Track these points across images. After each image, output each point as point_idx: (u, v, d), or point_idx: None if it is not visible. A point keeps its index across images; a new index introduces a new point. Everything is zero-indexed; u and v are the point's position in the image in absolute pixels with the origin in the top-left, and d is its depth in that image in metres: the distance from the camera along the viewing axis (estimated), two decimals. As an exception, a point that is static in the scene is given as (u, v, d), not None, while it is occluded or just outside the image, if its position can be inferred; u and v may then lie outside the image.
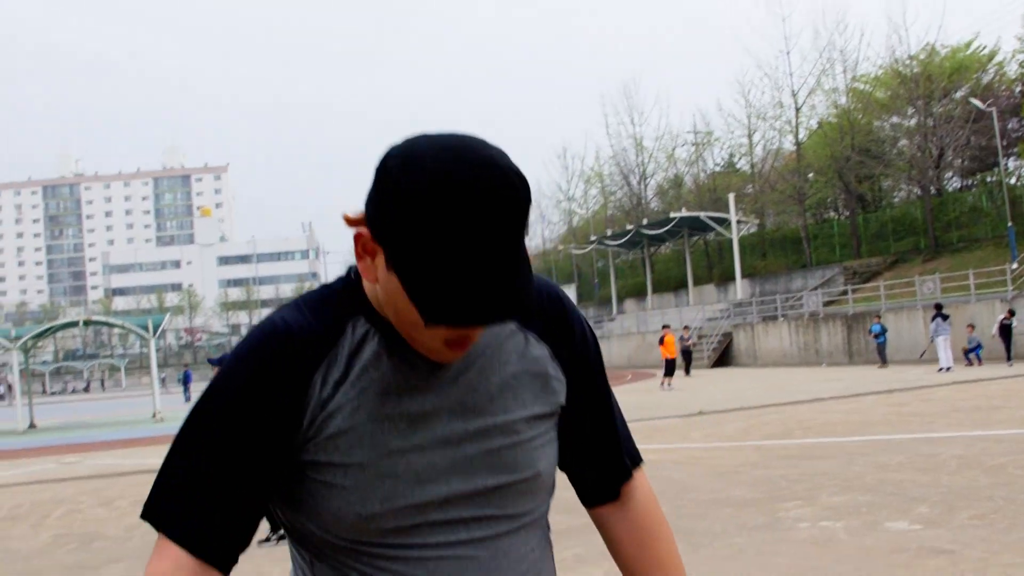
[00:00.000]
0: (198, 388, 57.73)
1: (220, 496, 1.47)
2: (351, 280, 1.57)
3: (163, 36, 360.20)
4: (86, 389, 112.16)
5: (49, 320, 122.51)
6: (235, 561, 1.52)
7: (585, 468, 1.76)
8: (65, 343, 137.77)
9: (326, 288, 1.59)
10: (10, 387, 45.06)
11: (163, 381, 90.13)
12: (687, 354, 39.80)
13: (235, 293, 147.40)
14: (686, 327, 41.53)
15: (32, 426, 37.17)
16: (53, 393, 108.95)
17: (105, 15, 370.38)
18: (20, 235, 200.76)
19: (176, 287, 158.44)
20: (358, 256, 1.44)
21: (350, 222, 1.45)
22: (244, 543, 1.52)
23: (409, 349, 1.51)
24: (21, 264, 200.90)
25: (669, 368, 32.86)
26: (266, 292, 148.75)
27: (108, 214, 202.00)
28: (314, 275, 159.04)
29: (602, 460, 1.76)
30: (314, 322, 1.51)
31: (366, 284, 1.54)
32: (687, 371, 39.62)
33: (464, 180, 1.30)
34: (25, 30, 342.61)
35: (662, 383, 32.40)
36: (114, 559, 9.67)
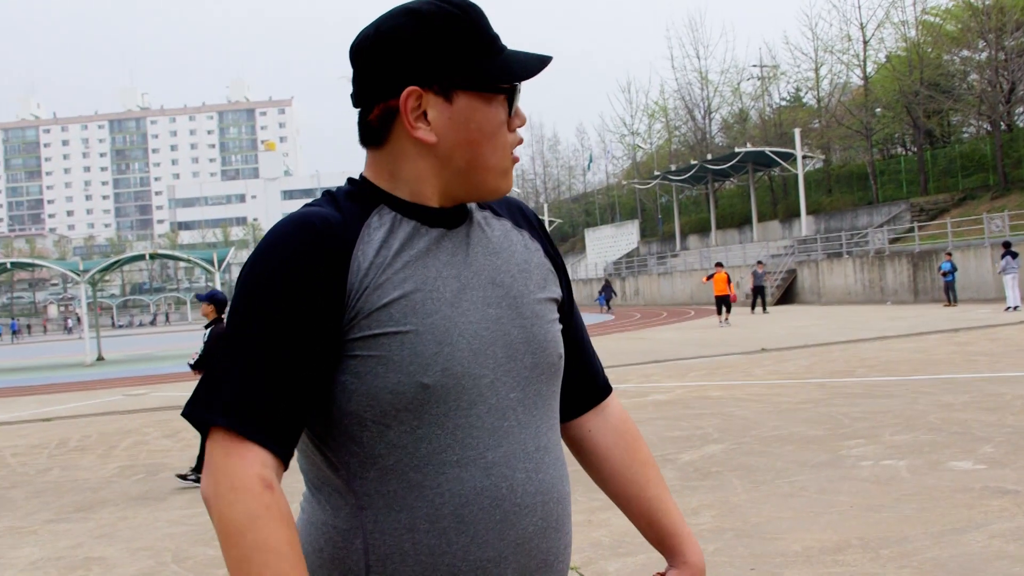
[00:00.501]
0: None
1: (288, 390, 1.44)
2: (359, 181, 1.63)
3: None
4: (152, 322, 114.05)
5: (116, 254, 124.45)
6: (292, 456, 1.50)
7: (572, 375, 1.83)
8: (132, 276, 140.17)
9: (336, 190, 1.63)
10: (79, 320, 45.81)
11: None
12: (760, 291, 39.26)
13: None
14: (759, 262, 40.88)
15: (100, 358, 37.90)
16: (120, 326, 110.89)
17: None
18: (87, 169, 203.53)
19: (241, 221, 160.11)
20: (412, 128, 1.53)
21: (379, 110, 1.57)
22: (297, 435, 1.48)
23: (435, 232, 1.57)
24: (88, 198, 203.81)
25: (720, 305, 32.81)
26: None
27: (174, 148, 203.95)
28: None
29: (585, 370, 1.85)
30: (338, 212, 1.54)
31: (378, 173, 1.61)
32: (763, 308, 39.10)
33: None
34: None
35: (720, 320, 32.25)
36: (179, 490, 9.85)
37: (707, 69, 75.56)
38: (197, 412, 1.46)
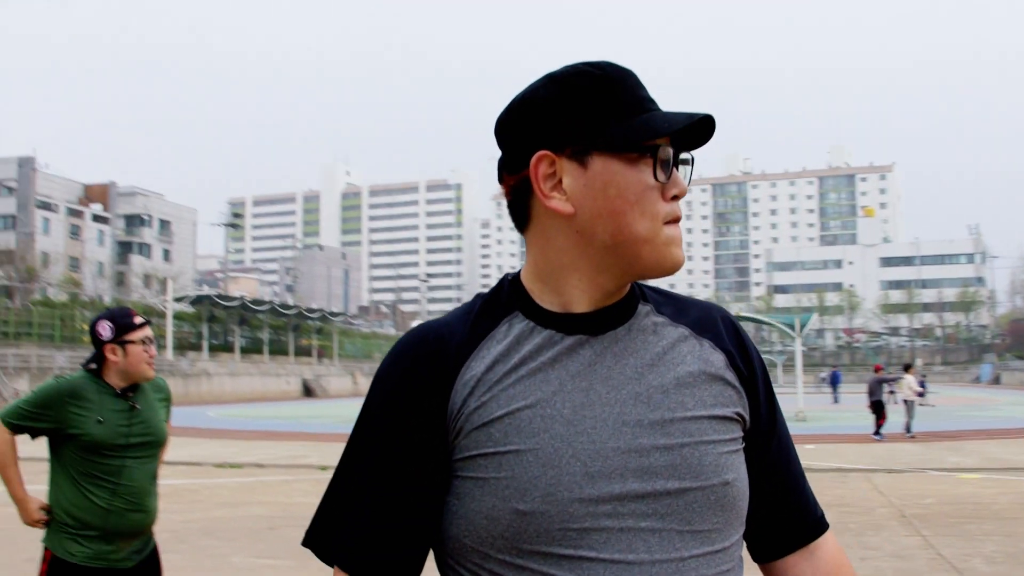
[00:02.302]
0: (845, 389, 57.19)
1: (394, 520, 1.39)
2: (506, 283, 1.50)
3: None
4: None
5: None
6: None
7: (774, 510, 1.54)
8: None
9: (485, 292, 1.52)
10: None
11: (821, 381, 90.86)
12: None
13: (896, 295, 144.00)
14: None
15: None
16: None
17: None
18: (690, 231, 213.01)
19: (836, 287, 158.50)
20: (544, 196, 1.40)
21: (509, 182, 1.45)
22: (420, 567, 1.42)
23: (572, 340, 1.41)
24: (690, 258, 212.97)
25: None
26: (928, 295, 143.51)
27: (773, 212, 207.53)
28: (979, 280, 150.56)
29: (787, 503, 1.55)
30: (463, 324, 1.45)
31: (529, 268, 1.48)
32: None
33: (593, 61, 1.44)
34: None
35: None
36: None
37: None
38: (316, 546, 1.45)
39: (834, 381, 56.59)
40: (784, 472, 1.56)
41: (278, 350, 77.88)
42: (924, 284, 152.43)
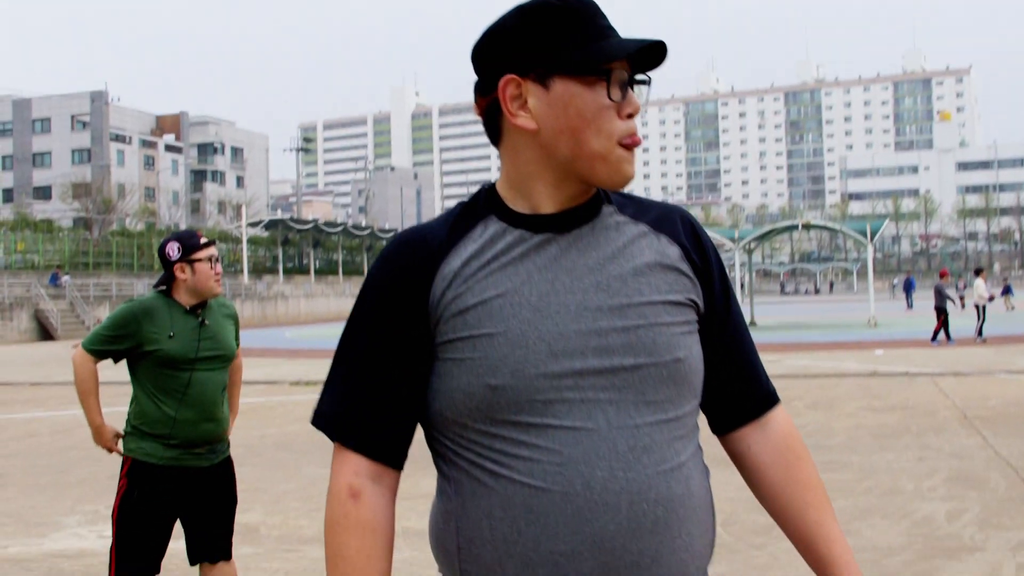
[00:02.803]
0: (920, 295, 56.56)
1: (380, 397, 1.60)
2: (482, 192, 1.68)
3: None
4: (816, 291, 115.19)
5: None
6: (405, 456, 1.64)
7: (727, 386, 1.73)
8: (802, 245, 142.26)
9: (468, 197, 1.71)
10: (741, 285, 47.77)
11: (893, 288, 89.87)
12: None
13: (973, 200, 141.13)
14: None
15: (751, 323, 39.07)
16: (786, 293, 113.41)
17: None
18: (762, 140, 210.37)
19: (913, 193, 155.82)
20: (511, 115, 1.56)
21: (482, 103, 1.62)
22: (408, 438, 1.63)
23: (540, 238, 1.58)
24: (763, 168, 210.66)
25: None
26: (1006, 199, 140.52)
27: (847, 119, 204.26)
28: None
29: (740, 379, 1.74)
30: (444, 227, 1.63)
31: (502, 178, 1.66)
32: None
33: None
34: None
35: None
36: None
37: None
38: (321, 425, 1.65)
39: (908, 287, 56.00)
40: (737, 352, 1.73)
41: (352, 271, 78.59)
42: (1002, 188, 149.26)
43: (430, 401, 1.60)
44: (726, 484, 8.39)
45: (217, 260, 4.50)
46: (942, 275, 27.62)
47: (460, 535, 1.57)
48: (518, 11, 1.58)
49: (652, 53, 1.58)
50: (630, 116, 1.57)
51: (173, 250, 4.41)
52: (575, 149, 1.55)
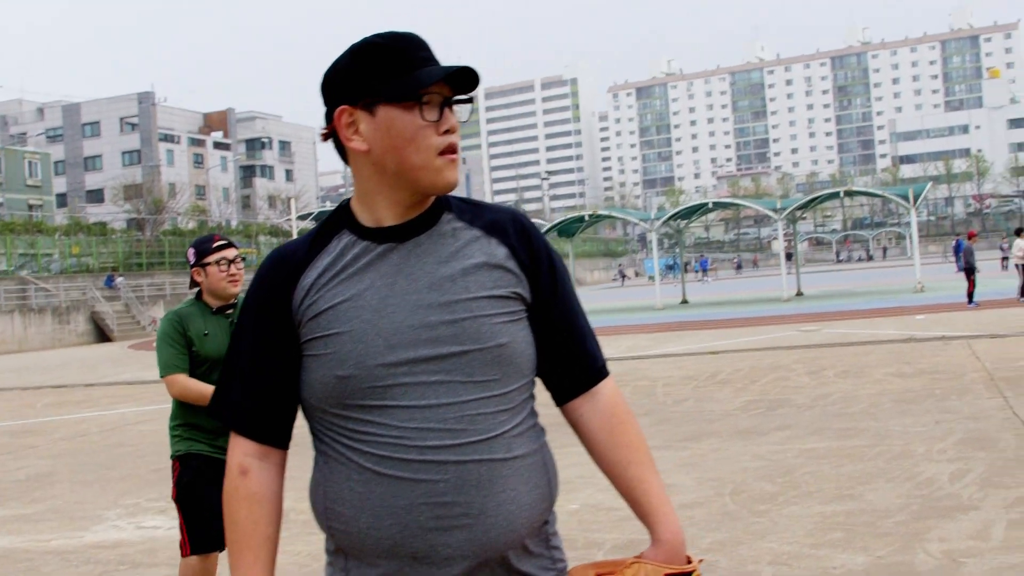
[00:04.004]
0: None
1: (260, 390, 1.94)
2: (340, 208, 1.99)
3: None
4: (869, 257, 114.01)
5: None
6: (289, 438, 2.00)
7: (560, 364, 2.02)
8: (853, 212, 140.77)
9: (329, 212, 2.03)
10: (788, 256, 47.32)
11: (948, 251, 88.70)
12: None
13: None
14: None
15: (799, 294, 38.88)
16: (840, 260, 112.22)
17: None
18: (810, 107, 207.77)
19: (964, 152, 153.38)
20: (346, 139, 1.88)
21: (327, 131, 1.93)
22: (288, 422, 1.98)
23: (383, 248, 1.89)
24: (812, 135, 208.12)
25: None
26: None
27: (895, 81, 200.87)
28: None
29: (571, 357, 2.02)
30: (305, 245, 1.96)
31: (354, 194, 1.97)
32: None
33: (382, 33, 1.89)
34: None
35: None
36: (757, 431, 10.12)
37: None
38: (216, 415, 2.01)
39: (958, 250, 55.01)
40: (567, 333, 2.02)
41: (402, 259, 78.85)
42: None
43: (300, 392, 1.93)
44: (740, 455, 8.71)
45: (230, 261, 4.71)
46: (970, 236, 27.53)
47: (327, 497, 1.89)
48: (349, 51, 1.89)
49: (464, 76, 1.87)
50: (447, 132, 1.87)
51: (190, 256, 4.73)
52: (399, 164, 1.85)
